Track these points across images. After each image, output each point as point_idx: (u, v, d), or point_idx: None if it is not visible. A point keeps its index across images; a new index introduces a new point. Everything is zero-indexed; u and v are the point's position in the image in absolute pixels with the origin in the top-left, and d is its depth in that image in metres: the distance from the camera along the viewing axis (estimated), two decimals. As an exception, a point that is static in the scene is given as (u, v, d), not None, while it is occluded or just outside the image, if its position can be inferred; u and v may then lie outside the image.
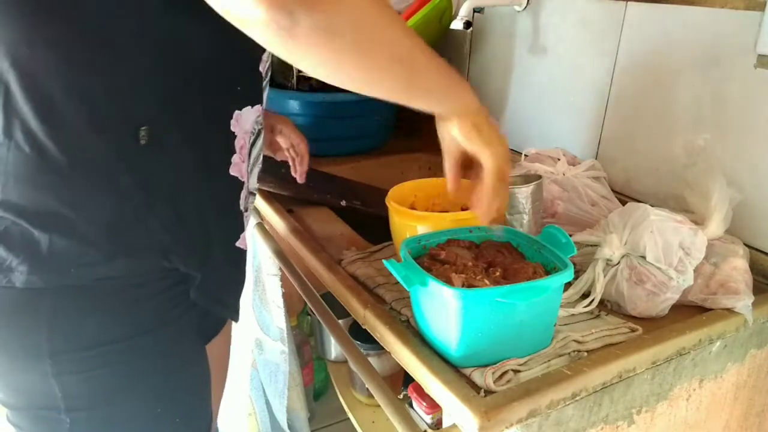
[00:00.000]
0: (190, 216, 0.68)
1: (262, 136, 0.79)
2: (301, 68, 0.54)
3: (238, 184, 0.74)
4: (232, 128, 0.71)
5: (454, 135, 0.65)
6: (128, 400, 0.69)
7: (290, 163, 1.04)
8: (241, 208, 0.76)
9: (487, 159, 0.65)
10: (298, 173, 1.04)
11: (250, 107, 0.73)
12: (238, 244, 0.77)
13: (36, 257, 0.61)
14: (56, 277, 0.62)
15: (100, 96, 0.60)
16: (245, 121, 0.73)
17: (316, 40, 0.49)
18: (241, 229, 0.77)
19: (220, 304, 0.76)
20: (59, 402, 0.65)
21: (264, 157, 1.06)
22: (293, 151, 1.03)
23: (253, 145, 0.76)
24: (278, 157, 1.04)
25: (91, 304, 0.64)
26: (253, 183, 0.80)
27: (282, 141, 1.01)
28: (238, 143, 0.72)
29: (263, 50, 0.73)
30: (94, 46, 0.58)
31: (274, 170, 1.06)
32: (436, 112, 0.65)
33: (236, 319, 0.83)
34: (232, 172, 0.73)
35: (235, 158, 0.72)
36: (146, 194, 0.64)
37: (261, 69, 0.74)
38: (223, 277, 0.76)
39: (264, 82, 0.76)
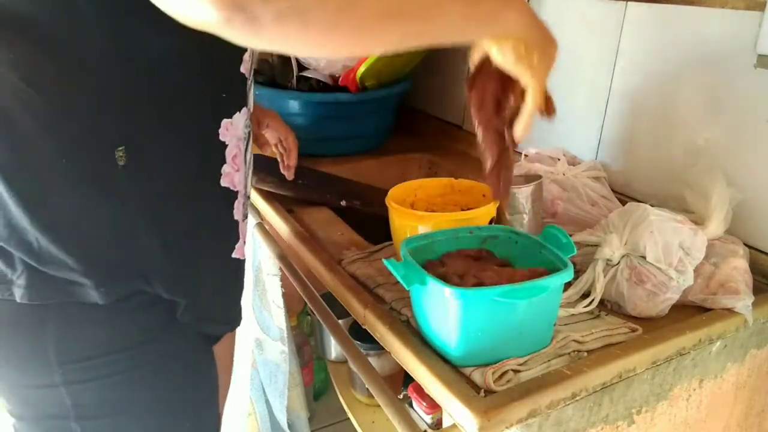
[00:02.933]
0: (177, 240, 0.66)
1: (251, 137, 0.77)
2: (289, 54, 0.50)
3: (231, 195, 0.71)
4: (222, 137, 0.68)
5: (494, 57, 0.57)
6: (138, 408, 0.68)
7: (279, 159, 1.02)
8: (236, 218, 0.73)
9: (529, 79, 0.60)
10: (288, 169, 1.02)
11: (238, 112, 0.70)
12: (234, 255, 0.74)
13: (33, 272, 0.60)
14: (51, 293, 0.61)
15: (68, 116, 0.57)
16: (236, 127, 0.70)
17: (285, 27, 0.43)
18: (236, 239, 0.74)
19: (211, 321, 0.74)
20: (69, 411, 0.65)
21: (264, 157, 1.06)
22: (281, 146, 1.01)
23: (246, 150, 0.74)
24: (264, 152, 1.01)
25: (94, 315, 0.63)
26: (248, 187, 0.77)
27: (270, 135, 0.98)
28: (230, 153, 0.69)
29: (242, 51, 0.70)
30: (58, 65, 0.56)
31: (274, 170, 1.06)
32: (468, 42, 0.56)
33: (231, 329, 0.80)
34: (224, 183, 0.70)
35: (225, 168, 0.69)
36: (127, 221, 0.62)
37: (243, 70, 0.71)
38: (214, 294, 0.73)
39: (248, 82, 0.74)
